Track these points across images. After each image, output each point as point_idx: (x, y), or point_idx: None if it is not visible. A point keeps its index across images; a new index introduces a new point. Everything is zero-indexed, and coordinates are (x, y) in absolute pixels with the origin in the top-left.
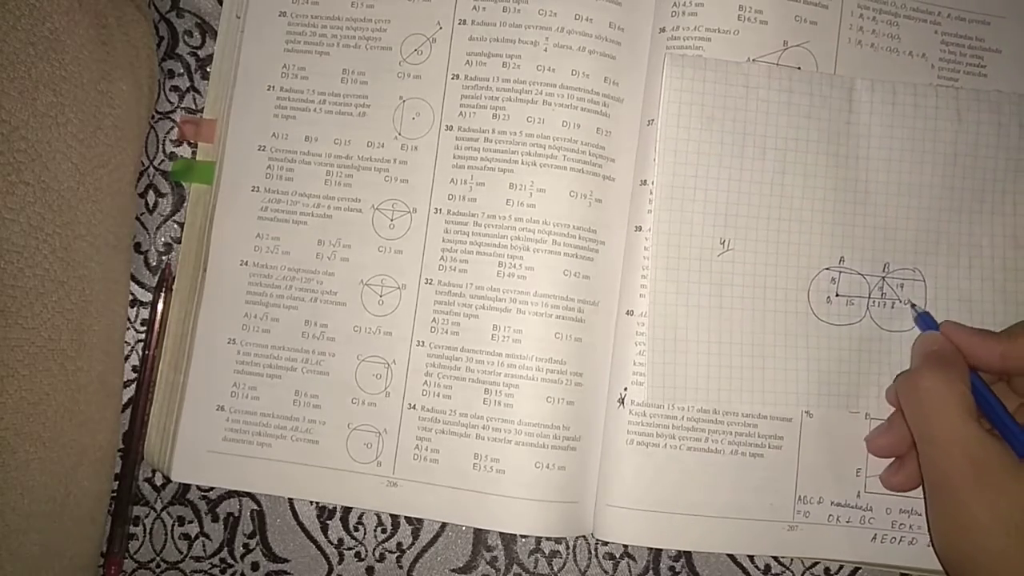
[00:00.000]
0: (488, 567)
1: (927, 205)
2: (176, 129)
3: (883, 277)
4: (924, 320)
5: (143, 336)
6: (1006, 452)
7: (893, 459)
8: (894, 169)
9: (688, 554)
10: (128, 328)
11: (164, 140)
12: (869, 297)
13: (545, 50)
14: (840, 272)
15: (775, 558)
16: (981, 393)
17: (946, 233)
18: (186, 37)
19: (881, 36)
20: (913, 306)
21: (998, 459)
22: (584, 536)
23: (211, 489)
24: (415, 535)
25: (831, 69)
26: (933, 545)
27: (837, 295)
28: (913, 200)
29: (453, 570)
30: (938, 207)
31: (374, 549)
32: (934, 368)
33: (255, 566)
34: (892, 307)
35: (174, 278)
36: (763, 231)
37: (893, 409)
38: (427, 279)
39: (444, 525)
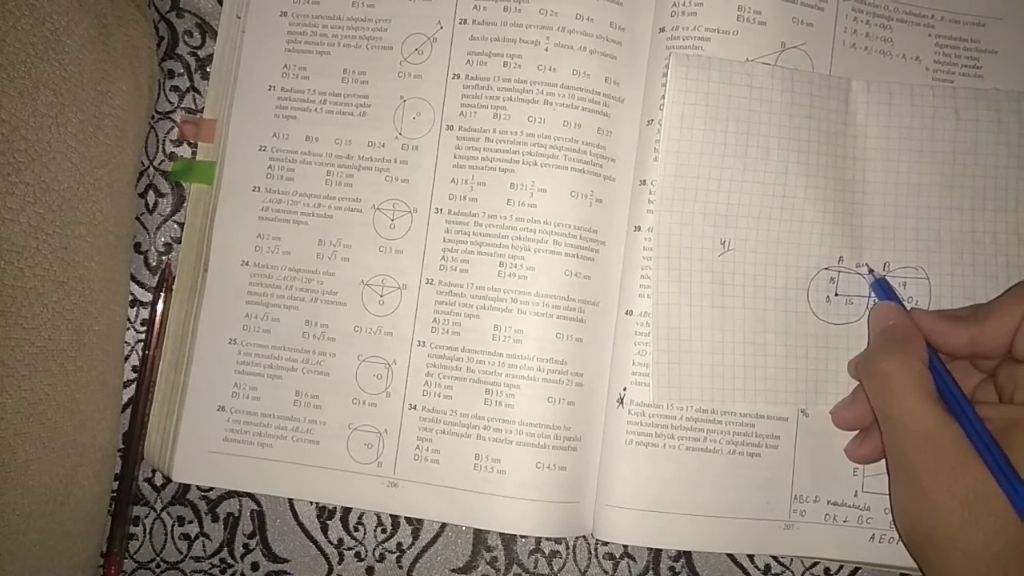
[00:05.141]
0: (488, 567)
1: (927, 204)
2: (176, 129)
3: (884, 276)
4: (881, 287)
5: (143, 336)
6: (961, 432)
7: (857, 432)
8: (891, 169)
9: (688, 554)
10: (128, 328)
11: (164, 140)
12: (869, 296)
13: (546, 50)
14: (839, 271)
15: (775, 558)
16: (939, 374)
17: (948, 231)
18: (186, 37)
19: (874, 39)
20: (871, 271)
21: (954, 440)
22: (584, 536)
23: (211, 489)
24: (415, 535)
25: (827, 71)
26: (895, 521)
27: (836, 294)
28: (912, 199)
29: (453, 570)
30: (938, 205)
31: (374, 549)
32: (892, 351)
33: (255, 566)
34: None
35: (174, 278)
36: (763, 231)
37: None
38: (428, 279)
39: (444, 525)
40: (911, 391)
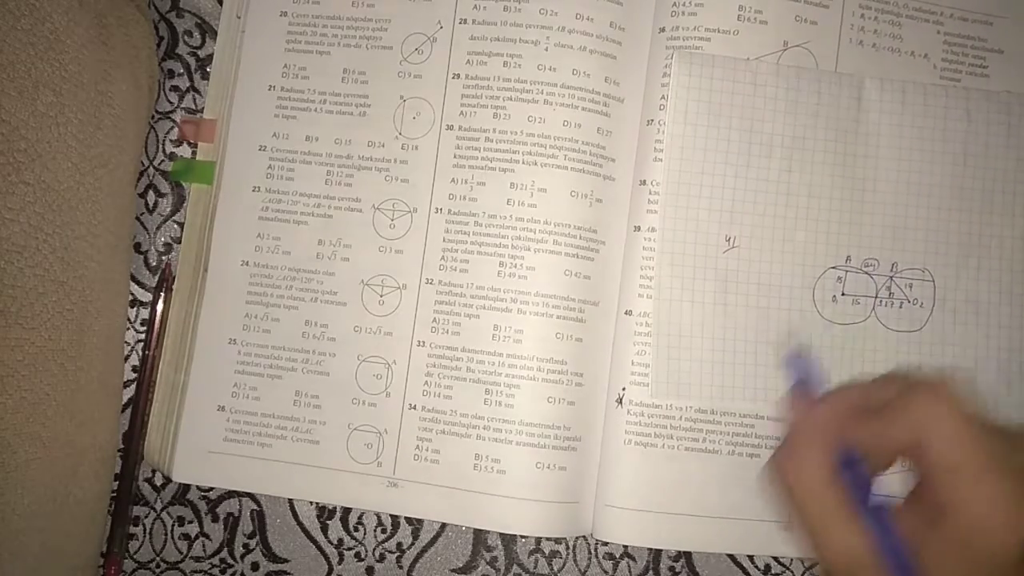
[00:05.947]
0: (488, 567)
1: (936, 205)
2: (176, 129)
3: (891, 276)
4: (794, 365)
5: (143, 336)
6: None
7: None
8: (903, 168)
9: (688, 554)
10: (128, 328)
11: (164, 140)
12: (876, 296)
13: (546, 49)
14: (846, 271)
15: (775, 558)
16: (853, 479)
17: (955, 233)
18: (186, 37)
19: (883, 36)
20: (790, 355)
21: (869, 555)
22: (584, 536)
23: (211, 489)
24: (415, 535)
25: (832, 69)
26: None
27: (843, 294)
28: (922, 200)
29: (453, 570)
30: (947, 207)
31: (374, 549)
32: (796, 456)
33: (255, 566)
34: (900, 307)
35: (174, 278)
36: (768, 229)
37: None
38: (428, 279)
39: (444, 525)
40: (818, 506)
